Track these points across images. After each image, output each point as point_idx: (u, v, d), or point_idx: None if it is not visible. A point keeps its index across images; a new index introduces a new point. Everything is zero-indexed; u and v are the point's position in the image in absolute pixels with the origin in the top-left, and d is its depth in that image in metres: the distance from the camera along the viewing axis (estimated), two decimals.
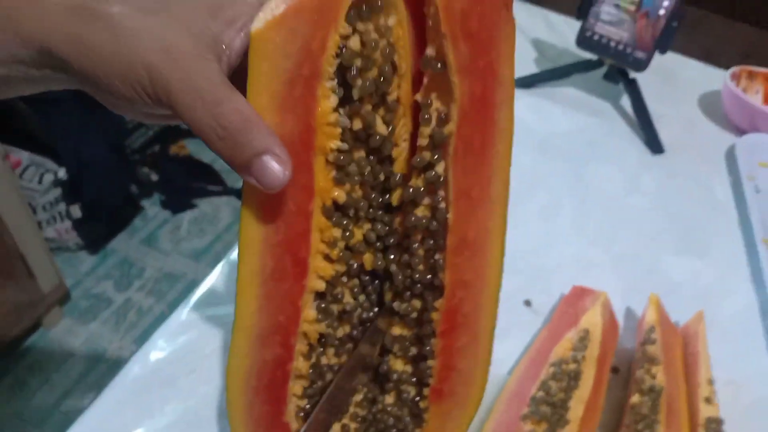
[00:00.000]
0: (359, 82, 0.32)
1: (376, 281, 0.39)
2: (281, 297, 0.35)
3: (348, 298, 0.38)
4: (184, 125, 0.30)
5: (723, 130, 0.87)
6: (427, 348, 0.38)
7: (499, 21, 0.32)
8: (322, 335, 0.38)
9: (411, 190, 0.35)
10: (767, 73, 0.87)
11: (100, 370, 1.48)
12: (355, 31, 0.31)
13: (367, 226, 0.36)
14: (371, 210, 0.36)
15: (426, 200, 0.35)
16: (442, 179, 0.34)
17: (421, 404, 0.40)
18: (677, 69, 0.96)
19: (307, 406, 0.39)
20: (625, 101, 0.88)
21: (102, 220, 1.69)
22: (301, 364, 0.37)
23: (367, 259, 0.37)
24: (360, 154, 0.34)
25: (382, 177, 0.35)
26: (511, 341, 0.58)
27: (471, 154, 0.34)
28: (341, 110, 0.33)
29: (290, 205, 0.33)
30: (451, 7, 0.30)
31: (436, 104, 0.34)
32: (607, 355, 0.53)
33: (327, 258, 0.36)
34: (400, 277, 0.37)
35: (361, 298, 0.38)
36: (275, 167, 0.29)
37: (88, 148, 1.59)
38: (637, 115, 0.83)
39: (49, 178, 1.56)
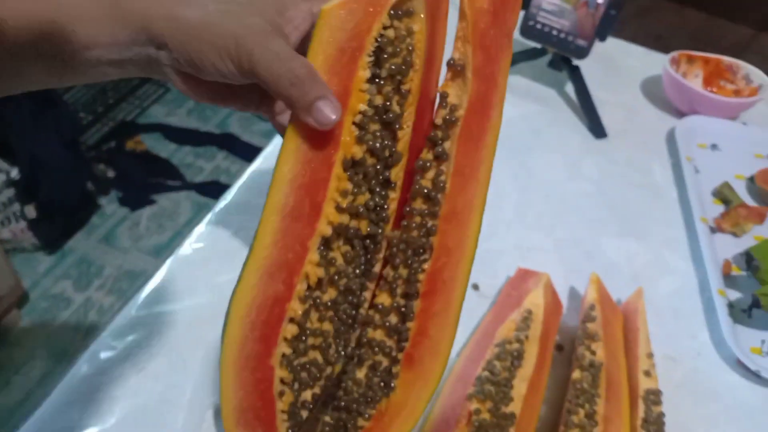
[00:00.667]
0: (388, 63, 0.40)
1: (367, 256, 0.43)
2: (294, 235, 0.40)
3: (339, 260, 0.42)
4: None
5: (664, 113, 0.89)
6: (409, 308, 0.42)
7: (503, 43, 0.42)
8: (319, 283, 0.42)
9: (421, 162, 0.42)
10: (706, 58, 0.90)
11: (62, 371, 1.46)
12: (392, 25, 0.40)
13: (368, 196, 0.42)
14: (375, 178, 0.42)
15: (431, 173, 0.42)
16: (447, 155, 0.42)
17: (394, 369, 0.43)
18: (620, 55, 0.99)
19: (292, 356, 0.41)
20: (570, 88, 0.90)
21: (58, 219, 1.66)
22: (296, 306, 0.40)
23: (363, 225, 0.42)
24: (376, 126, 0.41)
25: (387, 153, 0.41)
26: (460, 325, 0.59)
27: (470, 139, 0.42)
28: (370, 84, 0.40)
29: (320, 153, 0.40)
30: (477, 24, 0.41)
31: (452, 96, 0.42)
32: (549, 334, 0.55)
33: (338, 207, 0.41)
34: (395, 241, 0.42)
35: (350, 269, 0.43)
36: (330, 109, 0.37)
37: (41, 146, 1.56)
38: (580, 101, 0.85)
39: (0, 178, 1.53)
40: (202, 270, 0.62)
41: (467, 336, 0.59)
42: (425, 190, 0.42)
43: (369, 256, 0.43)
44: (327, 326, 0.42)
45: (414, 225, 0.42)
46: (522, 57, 0.88)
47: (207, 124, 2.09)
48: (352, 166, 0.41)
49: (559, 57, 0.86)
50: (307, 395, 0.42)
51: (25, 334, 1.52)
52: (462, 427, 0.47)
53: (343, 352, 0.43)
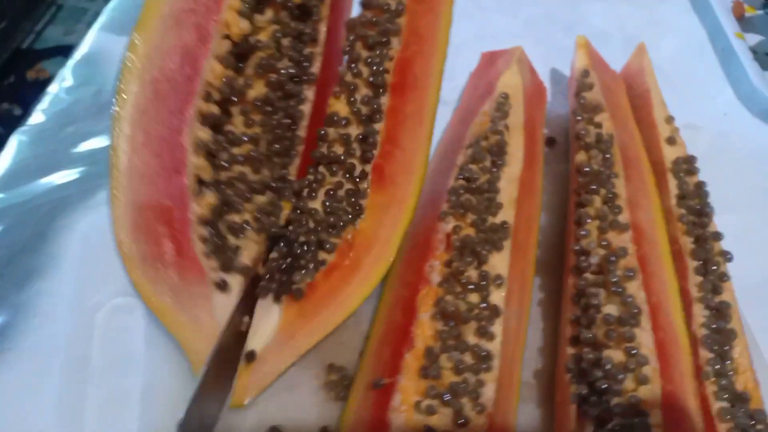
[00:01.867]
0: None
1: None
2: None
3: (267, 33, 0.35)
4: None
5: None
6: (376, 105, 0.35)
7: None
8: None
9: None
10: None
11: None
12: None
13: None
14: None
15: None
16: None
17: (361, 187, 0.34)
18: None
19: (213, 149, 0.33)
20: None
21: None
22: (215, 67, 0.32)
23: None
24: None
25: None
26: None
27: None
28: None
29: None
30: None
31: None
32: (535, 120, 0.41)
33: None
34: (351, 25, 0.36)
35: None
36: None
37: None
38: None
39: None
40: (61, 139, 0.46)
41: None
42: None
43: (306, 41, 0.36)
44: (257, 131, 0.34)
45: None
46: None
47: None
48: None
49: None
50: (235, 218, 0.33)
51: None
52: (441, 254, 0.34)
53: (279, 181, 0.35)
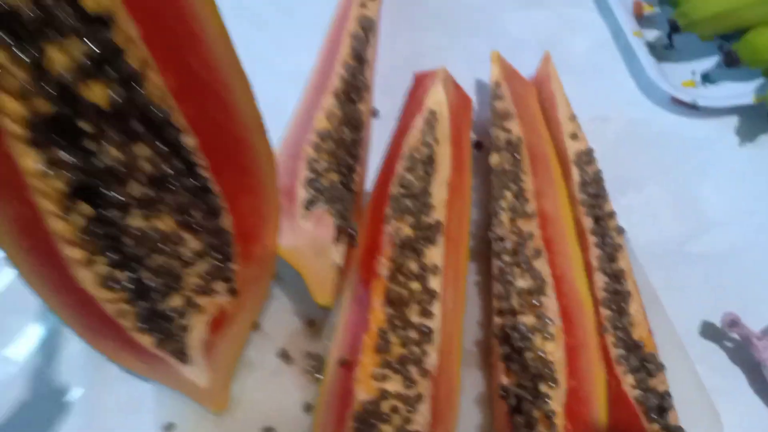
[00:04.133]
0: None
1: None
2: None
3: None
4: None
5: None
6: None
7: None
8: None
9: None
10: None
11: None
12: None
13: None
14: None
15: None
16: None
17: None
18: None
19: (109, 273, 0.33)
20: None
21: None
22: (58, 225, 0.30)
23: None
24: None
25: None
26: (372, 158, 0.52)
27: None
28: None
29: None
30: None
31: None
32: (461, 131, 0.49)
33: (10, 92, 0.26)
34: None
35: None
36: None
37: None
38: None
39: None
40: None
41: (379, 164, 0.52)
42: None
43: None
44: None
45: None
46: None
47: None
48: None
49: None
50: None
51: None
52: (386, 252, 0.41)
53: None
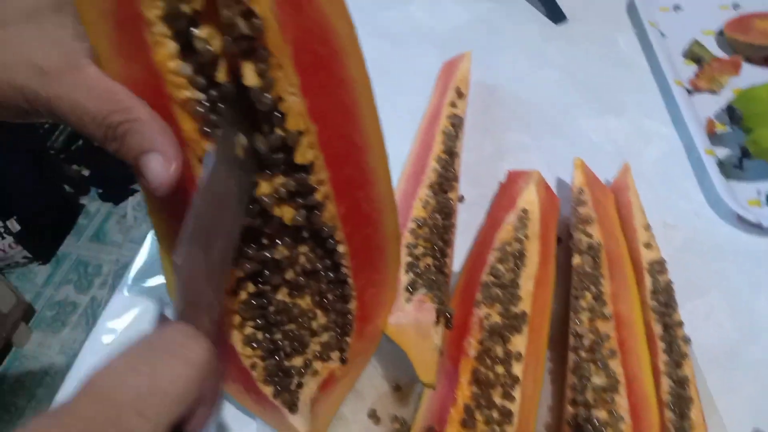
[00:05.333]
0: (196, 34, 0.29)
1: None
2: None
3: None
4: None
5: None
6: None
7: None
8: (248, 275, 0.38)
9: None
10: None
11: (84, 373, 1.46)
12: None
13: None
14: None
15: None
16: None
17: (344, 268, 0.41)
18: None
19: (252, 334, 0.40)
20: None
21: (43, 228, 1.64)
22: (228, 298, 0.38)
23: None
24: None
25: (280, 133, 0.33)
26: (459, 238, 0.58)
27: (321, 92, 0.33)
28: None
29: None
30: None
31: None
32: (549, 229, 0.54)
33: None
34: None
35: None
36: (156, 166, 0.28)
37: (5, 159, 1.53)
38: None
39: None
40: None
41: (464, 247, 0.58)
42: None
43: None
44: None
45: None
46: None
47: None
48: None
49: None
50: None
51: (40, 346, 1.52)
52: (475, 334, 0.46)
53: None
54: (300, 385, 0.43)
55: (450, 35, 0.79)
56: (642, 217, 0.55)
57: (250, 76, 0.30)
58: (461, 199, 0.62)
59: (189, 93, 0.30)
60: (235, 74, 0.30)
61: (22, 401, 1.43)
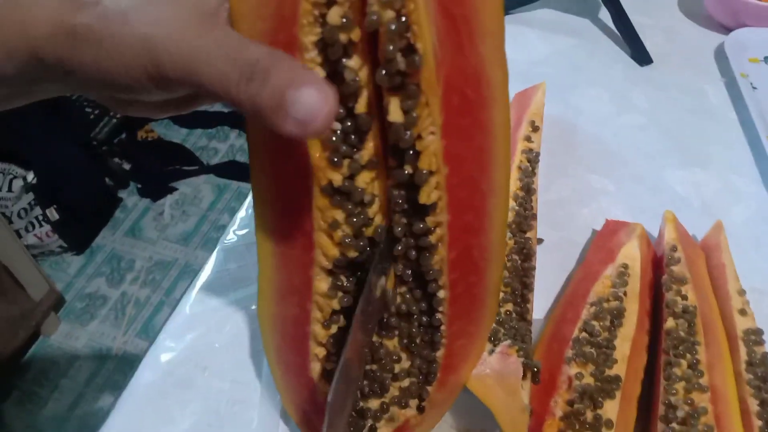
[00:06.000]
0: (347, 64, 0.28)
1: None
2: (294, 261, 0.35)
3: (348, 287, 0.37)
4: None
5: (708, 30, 0.83)
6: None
7: None
8: (343, 308, 0.37)
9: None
10: None
11: (109, 368, 1.46)
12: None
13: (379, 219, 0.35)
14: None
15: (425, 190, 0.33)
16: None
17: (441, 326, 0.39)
18: None
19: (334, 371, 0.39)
20: (604, 15, 0.84)
21: (81, 218, 1.64)
22: (318, 330, 0.37)
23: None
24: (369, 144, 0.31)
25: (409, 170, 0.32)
26: (538, 283, 0.55)
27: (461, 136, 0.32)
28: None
29: (291, 175, 0.32)
30: None
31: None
32: (646, 288, 0.51)
33: (331, 239, 0.34)
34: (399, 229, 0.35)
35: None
36: (311, 97, 0.24)
37: (53, 147, 1.53)
38: (618, 28, 0.80)
39: (18, 183, 1.51)
40: (251, 256, 0.58)
41: (546, 293, 0.55)
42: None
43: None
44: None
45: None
46: None
47: (214, 104, 2.05)
48: (334, 192, 0.33)
49: None
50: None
51: (67, 337, 1.52)
52: (563, 393, 0.44)
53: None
54: (373, 429, 0.41)
55: (529, 68, 0.77)
56: (736, 281, 0.52)
57: (395, 111, 0.28)
58: (540, 241, 0.59)
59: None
60: (376, 107, 0.29)
61: (44, 391, 1.42)
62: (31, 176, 1.51)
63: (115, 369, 1.44)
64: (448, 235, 0.34)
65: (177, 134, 1.92)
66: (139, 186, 1.79)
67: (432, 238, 0.34)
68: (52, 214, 1.56)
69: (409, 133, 0.29)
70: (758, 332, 0.49)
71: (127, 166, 1.79)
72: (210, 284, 0.56)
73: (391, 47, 0.26)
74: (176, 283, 1.60)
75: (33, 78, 0.28)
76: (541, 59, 0.79)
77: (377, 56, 0.28)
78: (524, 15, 0.85)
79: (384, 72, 0.27)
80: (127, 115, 0.36)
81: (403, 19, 0.26)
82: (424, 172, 0.31)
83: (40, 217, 1.55)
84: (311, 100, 0.24)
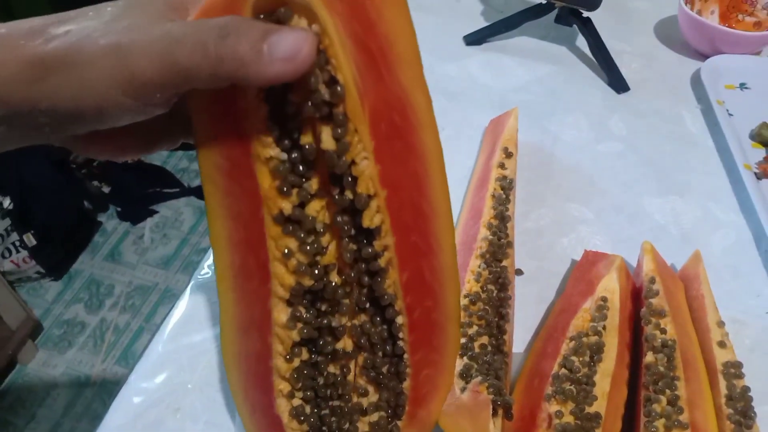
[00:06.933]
0: (290, 98, 0.30)
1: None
2: (253, 294, 0.35)
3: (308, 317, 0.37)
4: None
5: (684, 57, 0.84)
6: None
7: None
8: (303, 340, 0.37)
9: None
10: None
11: (87, 396, 1.43)
12: None
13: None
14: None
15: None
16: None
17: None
18: (628, 0, 0.93)
19: (300, 406, 0.39)
20: (580, 43, 0.85)
21: (59, 243, 1.62)
22: (281, 364, 0.37)
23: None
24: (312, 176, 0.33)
25: (349, 195, 0.33)
26: (516, 313, 0.55)
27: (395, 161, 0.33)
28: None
29: (244, 207, 0.33)
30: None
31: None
32: (626, 321, 0.50)
33: (286, 268, 0.35)
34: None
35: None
36: (290, 37, 0.26)
37: (29, 171, 1.51)
38: (595, 55, 0.80)
39: None
40: None
41: (525, 325, 0.54)
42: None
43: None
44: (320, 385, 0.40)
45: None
46: (526, 16, 0.83)
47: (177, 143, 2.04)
48: (286, 221, 0.33)
49: (567, 10, 0.80)
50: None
51: (44, 365, 1.49)
52: (543, 431, 0.43)
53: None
54: None
55: (507, 95, 0.77)
56: (715, 313, 0.52)
57: (327, 139, 0.30)
58: (519, 272, 0.59)
59: (273, 152, 0.31)
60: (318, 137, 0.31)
61: (20, 421, 1.38)
62: (7, 201, 1.49)
63: (94, 397, 1.41)
64: (396, 258, 0.35)
65: (158, 156, 1.90)
66: (119, 209, 1.77)
67: (381, 262, 0.35)
68: (30, 239, 1.53)
69: (343, 159, 0.31)
70: (737, 365, 0.49)
71: (106, 189, 1.76)
72: (183, 321, 0.55)
73: (313, 79, 0.28)
74: (156, 309, 1.57)
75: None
76: (518, 86, 0.79)
77: None
78: (502, 43, 0.85)
79: (310, 103, 0.29)
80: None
81: (322, 54, 0.28)
82: (364, 196, 0.32)
83: (17, 243, 1.53)
84: (292, 36, 0.26)
